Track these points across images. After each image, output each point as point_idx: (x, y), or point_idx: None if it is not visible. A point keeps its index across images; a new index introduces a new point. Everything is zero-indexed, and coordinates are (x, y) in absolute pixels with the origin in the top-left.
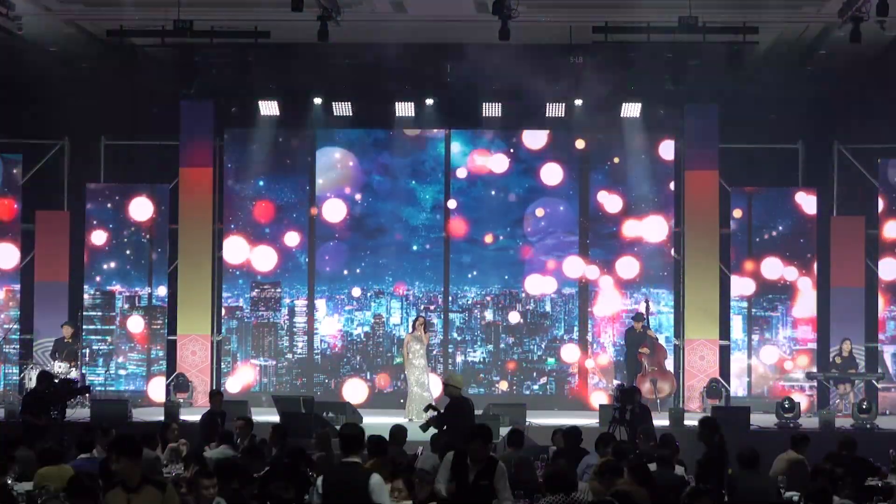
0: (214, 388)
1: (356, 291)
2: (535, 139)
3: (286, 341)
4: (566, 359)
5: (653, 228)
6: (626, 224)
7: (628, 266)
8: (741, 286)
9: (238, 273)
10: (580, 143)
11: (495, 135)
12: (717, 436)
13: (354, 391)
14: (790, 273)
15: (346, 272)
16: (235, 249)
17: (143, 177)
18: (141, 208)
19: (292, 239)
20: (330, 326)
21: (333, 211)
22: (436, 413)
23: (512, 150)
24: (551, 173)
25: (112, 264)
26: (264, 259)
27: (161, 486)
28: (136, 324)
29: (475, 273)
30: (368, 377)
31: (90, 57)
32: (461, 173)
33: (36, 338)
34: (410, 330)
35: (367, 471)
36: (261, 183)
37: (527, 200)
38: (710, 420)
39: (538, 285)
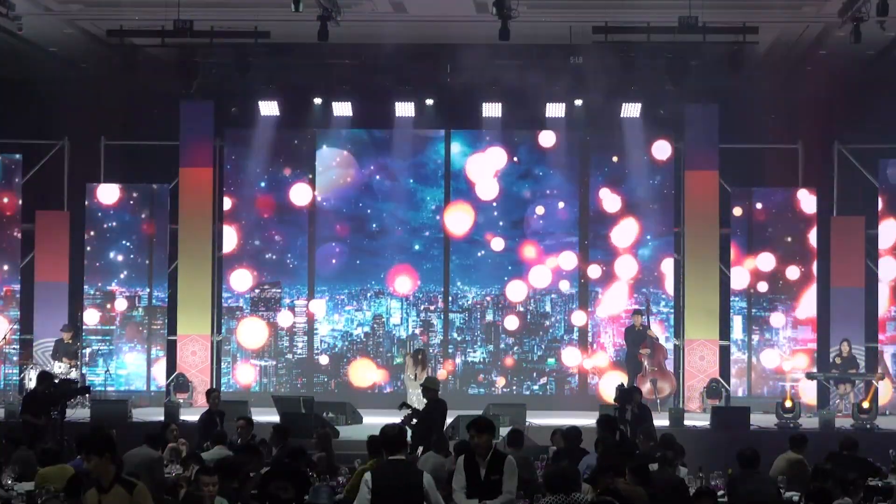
0: (214, 387)
1: (356, 291)
2: (534, 139)
3: (286, 341)
4: (566, 359)
5: (652, 227)
6: (625, 223)
7: (628, 266)
8: (747, 281)
9: (237, 273)
10: (580, 144)
11: (495, 135)
12: (618, 432)
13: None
14: (790, 273)
15: (346, 272)
16: (235, 249)
17: (143, 177)
18: (141, 208)
19: (292, 238)
20: (330, 326)
21: (333, 211)
22: (410, 410)
23: (512, 151)
24: (551, 173)
25: (112, 264)
26: (263, 259)
27: (130, 487)
28: (136, 324)
29: (475, 273)
30: (367, 377)
31: (90, 57)
32: (461, 173)
33: (36, 338)
34: (411, 353)
35: (419, 469)
36: (261, 184)
37: (526, 200)
38: (608, 417)
39: (538, 285)
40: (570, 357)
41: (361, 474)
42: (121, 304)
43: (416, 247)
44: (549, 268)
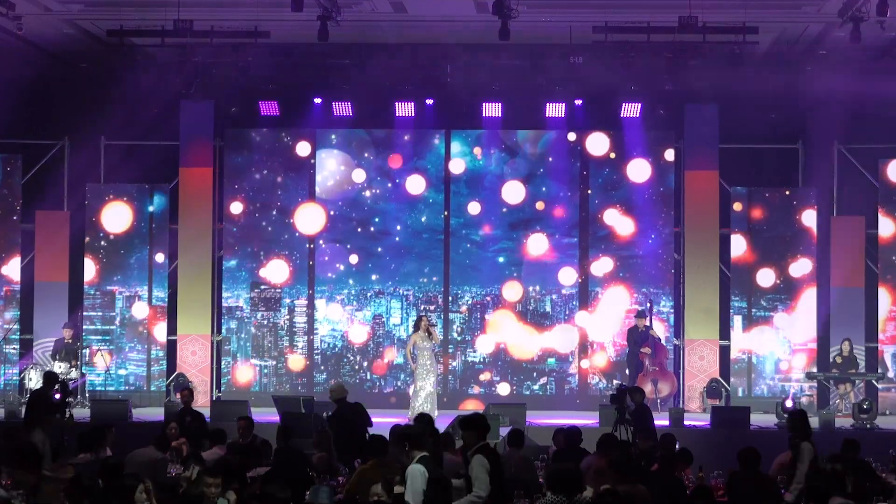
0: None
1: (356, 291)
2: (534, 139)
3: (286, 341)
4: (566, 359)
5: (652, 228)
6: (625, 223)
7: (628, 266)
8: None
9: (239, 273)
10: (579, 143)
11: (495, 135)
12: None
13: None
14: (790, 273)
15: (346, 272)
16: (235, 249)
17: (143, 177)
18: (141, 208)
19: (291, 238)
20: (330, 326)
21: (332, 210)
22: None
23: (511, 150)
24: (551, 173)
25: (112, 264)
26: (263, 259)
27: None
28: (136, 323)
29: (475, 273)
30: (369, 377)
31: (90, 57)
32: (461, 173)
33: (36, 338)
34: (413, 330)
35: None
36: (261, 183)
37: (526, 200)
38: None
39: (538, 285)
40: (570, 357)
41: (362, 474)
42: (121, 304)
43: (416, 247)
44: (549, 267)
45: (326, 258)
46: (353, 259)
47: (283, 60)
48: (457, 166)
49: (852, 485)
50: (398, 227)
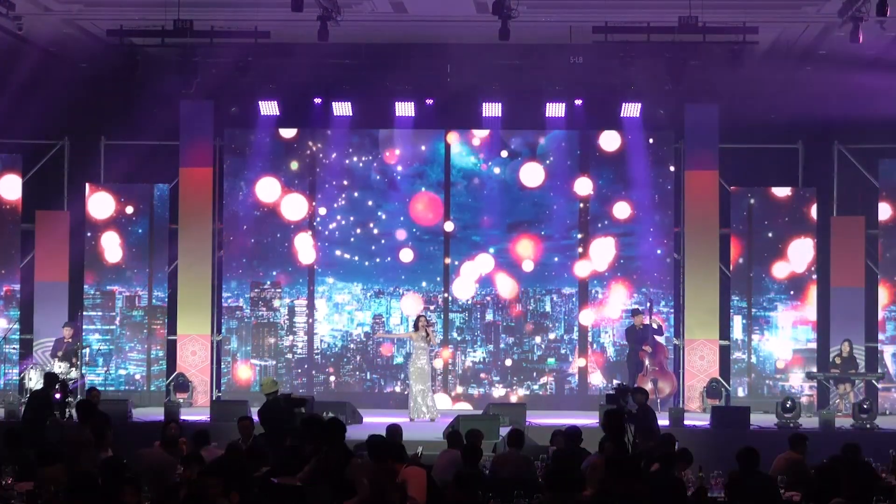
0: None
1: (356, 291)
2: (534, 139)
3: (286, 341)
4: (566, 359)
5: (652, 228)
6: (625, 223)
7: (628, 265)
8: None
9: (239, 273)
10: (580, 143)
11: (495, 135)
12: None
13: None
14: (790, 273)
15: (346, 272)
16: (235, 249)
17: (143, 177)
18: (140, 208)
19: (292, 238)
20: (330, 326)
21: (332, 210)
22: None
23: (511, 150)
24: (551, 173)
25: (112, 264)
26: (263, 259)
27: None
28: (136, 324)
29: (475, 272)
30: (368, 377)
31: (90, 57)
32: (460, 173)
33: (36, 338)
34: (413, 329)
35: None
36: (261, 183)
37: (526, 200)
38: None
39: (538, 285)
40: (570, 356)
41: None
42: (121, 304)
43: (416, 246)
44: (550, 267)
45: (326, 258)
46: (353, 259)
47: (283, 60)
48: (456, 166)
49: (847, 485)
50: (398, 227)
